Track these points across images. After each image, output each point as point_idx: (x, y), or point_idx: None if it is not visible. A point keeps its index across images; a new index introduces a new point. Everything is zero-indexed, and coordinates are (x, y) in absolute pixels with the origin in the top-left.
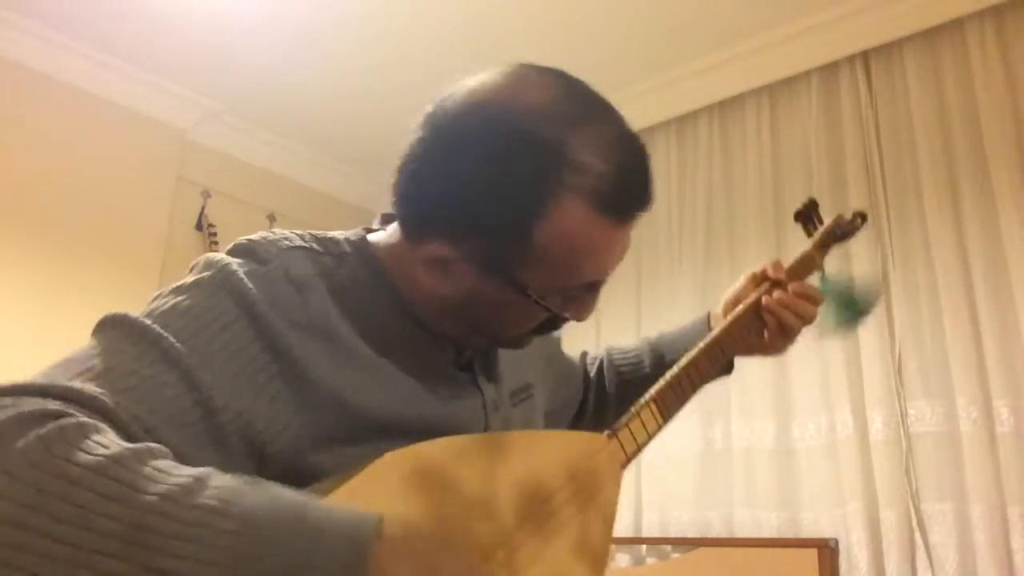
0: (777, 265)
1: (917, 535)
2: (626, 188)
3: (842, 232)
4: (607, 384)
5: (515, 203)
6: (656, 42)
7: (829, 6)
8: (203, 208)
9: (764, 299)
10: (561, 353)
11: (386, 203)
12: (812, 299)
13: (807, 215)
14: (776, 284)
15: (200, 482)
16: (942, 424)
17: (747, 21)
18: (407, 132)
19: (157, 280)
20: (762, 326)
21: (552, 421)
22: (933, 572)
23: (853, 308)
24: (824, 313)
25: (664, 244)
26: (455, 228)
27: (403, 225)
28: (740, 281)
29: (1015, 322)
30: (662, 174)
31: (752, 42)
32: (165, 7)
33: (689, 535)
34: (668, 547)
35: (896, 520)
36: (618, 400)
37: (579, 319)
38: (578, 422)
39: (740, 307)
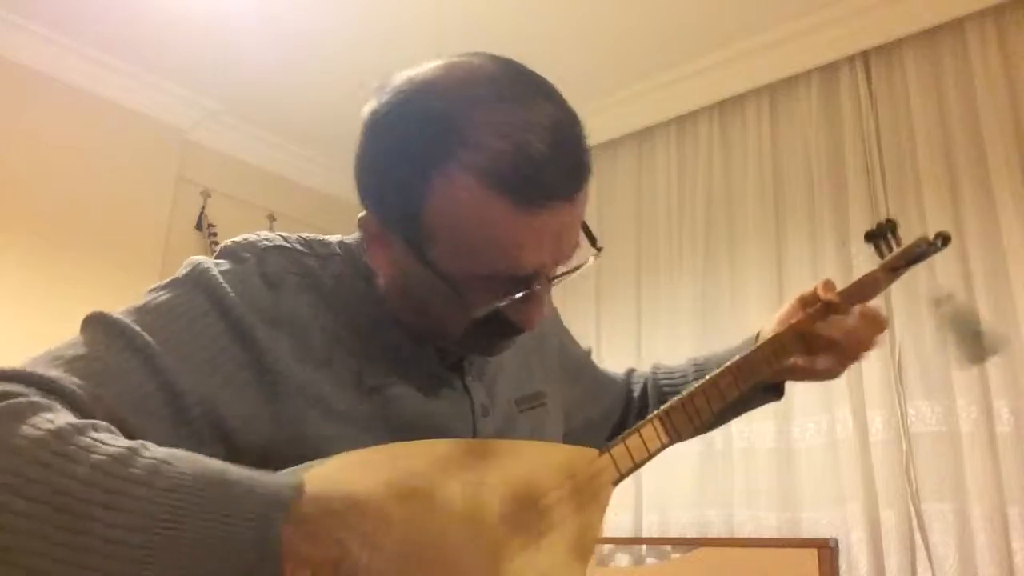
0: (828, 284)
1: (917, 535)
2: (525, 170)
3: (919, 254)
4: (651, 405)
5: (406, 176)
6: (656, 42)
7: (829, 6)
8: (203, 208)
9: (820, 324)
10: (594, 367)
11: None
12: (877, 324)
13: (882, 234)
14: (828, 306)
15: (133, 452)
16: (942, 424)
17: (747, 21)
18: None
19: (157, 280)
20: (805, 349)
21: (583, 440)
22: (933, 572)
23: (979, 344)
24: (951, 341)
25: (664, 244)
26: (375, 203)
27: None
28: (788, 303)
29: (1015, 322)
30: (662, 174)
31: (752, 42)
32: (165, 7)
33: (689, 535)
34: (668, 547)
35: (896, 520)
36: None
37: (521, 324)
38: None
39: (779, 329)
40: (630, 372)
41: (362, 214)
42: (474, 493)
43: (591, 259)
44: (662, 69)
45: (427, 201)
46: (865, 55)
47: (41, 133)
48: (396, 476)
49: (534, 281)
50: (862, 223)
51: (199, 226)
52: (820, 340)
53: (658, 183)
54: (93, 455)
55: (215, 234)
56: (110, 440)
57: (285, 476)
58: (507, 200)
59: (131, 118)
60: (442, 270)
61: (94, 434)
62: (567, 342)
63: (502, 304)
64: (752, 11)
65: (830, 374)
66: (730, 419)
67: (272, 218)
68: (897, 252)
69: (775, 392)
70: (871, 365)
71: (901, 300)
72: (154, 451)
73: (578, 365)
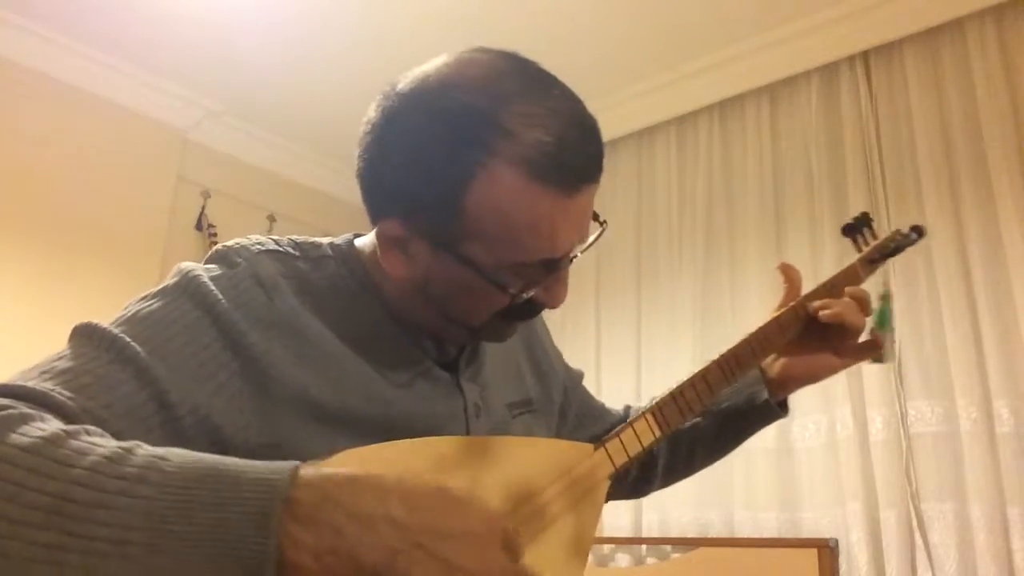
0: (788, 268)
1: (917, 535)
2: (562, 157)
3: (895, 247)
4: None
5: (445, 171)
6: (656, 42)
7: (829, 6)
8: (203, 208)
9: (813, 304)
10: (587, 392)
11: None
12: (864, 303)
13: (858, 228)
14: (807, 298)
15: (127, 452)
16: (942, 424)
17: (747, 21)
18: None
19: (157, 280)
20: (785, 343)
21: None
22: (933, 572)
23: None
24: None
25: (664, 244)
26: (400, 204)
27: (366, 209)
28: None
29: (1015, 322)
30: (662, 174)
31: (752, 42)
32: (165, 7)
33: (689, 535)
34: (668, 547)
35: (896, 520)
36: (670, 450)
37: (549, 304)
38: (619, 483)
39: (765, 321)
40: (627, 408)
41: (384, 222)
42: (470, 490)
43: (598, 231)
44: (662, 69)
45: (469, 196)
46: (865, 55)
47: (41, 133)
48: (392, 472)
49: (562, 261)
50: None
51: (199, 226)
52: (809, 332)
53: (658, 183)
54: (88, 457)
55: (215, 234)
56: (103, 442)
57: (280, 464)
58: (549, 187)
59: (131, 118)
60: (478, 263)
61: (87, 438)
62: (560, 359)
63: (539, 288)
64: (752, 11)
65: (829, 368)
66: (740, 442)
67: (272, 218)
68: (874, 245)
69: (782, 408)
70: (871, 365)
71: (900, 300)
72: (148, 449)
73: (572, 380)
